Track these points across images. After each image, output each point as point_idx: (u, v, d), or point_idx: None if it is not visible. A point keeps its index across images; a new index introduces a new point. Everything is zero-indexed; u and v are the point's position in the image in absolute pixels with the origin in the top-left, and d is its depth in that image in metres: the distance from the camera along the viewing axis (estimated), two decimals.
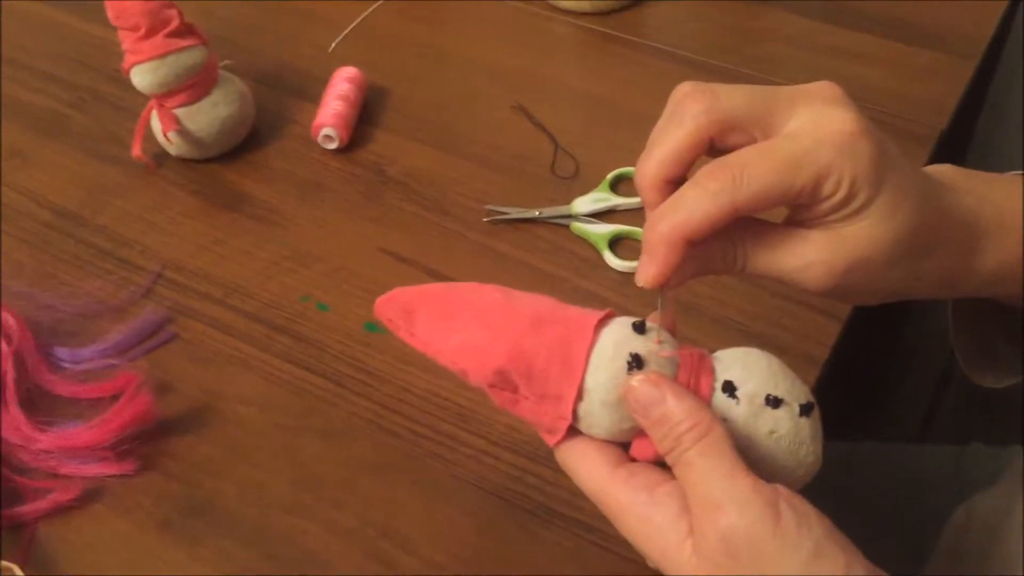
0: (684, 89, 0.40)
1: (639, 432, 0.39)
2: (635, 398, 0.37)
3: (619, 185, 0.68)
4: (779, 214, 0.41)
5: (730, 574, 0.35)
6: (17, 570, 0.46)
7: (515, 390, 0.39)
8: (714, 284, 0.62)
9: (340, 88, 0.73)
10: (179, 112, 0.68)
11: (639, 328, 0.39)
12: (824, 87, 0.40)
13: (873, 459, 0.77)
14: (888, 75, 0.76)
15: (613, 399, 0.38)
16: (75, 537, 0.51)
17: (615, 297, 0.61)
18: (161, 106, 0.68)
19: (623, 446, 0.40)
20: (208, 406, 0.57)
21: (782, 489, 0.36)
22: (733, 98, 0.39)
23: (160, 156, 0.71)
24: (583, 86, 0.77)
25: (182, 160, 0.71)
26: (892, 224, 0.39)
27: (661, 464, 0.39)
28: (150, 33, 0.65)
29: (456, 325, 0.40)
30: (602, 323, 0.39)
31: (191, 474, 0.54)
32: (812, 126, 0.38)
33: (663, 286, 0.39)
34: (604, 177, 0.68)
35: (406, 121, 0.74)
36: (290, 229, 0.66)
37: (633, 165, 0.66)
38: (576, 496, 0.52)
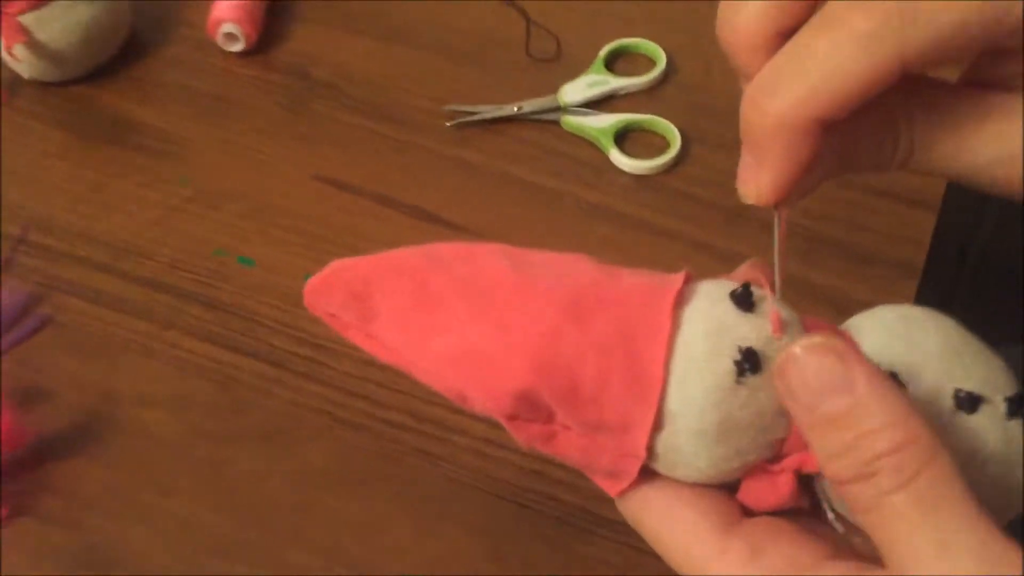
0: None
1: (752, 469, 0.26)
2: (798, 374, 0.24)
3: (617, 62, 0.60)
4: None
5: None
6: None
7: (549, 419, 0.26)
8: None
9: None
10: (25, 20, 0.58)
11: (743, 300, 0.25)
12: None
13: None
14: None
15: (714, 425, 0.25)
16: None
17: (633, 209, 0.53)
18: (0, 13, 0.57)
19: (727, 486, 0.27)
20: (100, 414, 0.47)
21: None
22: None
23: (11, 82, 0.60)
24: None
25: (39, 84, 0.60)
26: None
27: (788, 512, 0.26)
28: None
29: (442, 318, 0.27)
30: (681, 296, 0.26)
31: (82, 515, 0.44)
32: None
33: (779, 203, 0.26)
34: (597, 55, 0.60)
35: (332, 7, 0.64)
36: (192, 161, 0.57)
37: (632, 36, 0.60)
38: None
